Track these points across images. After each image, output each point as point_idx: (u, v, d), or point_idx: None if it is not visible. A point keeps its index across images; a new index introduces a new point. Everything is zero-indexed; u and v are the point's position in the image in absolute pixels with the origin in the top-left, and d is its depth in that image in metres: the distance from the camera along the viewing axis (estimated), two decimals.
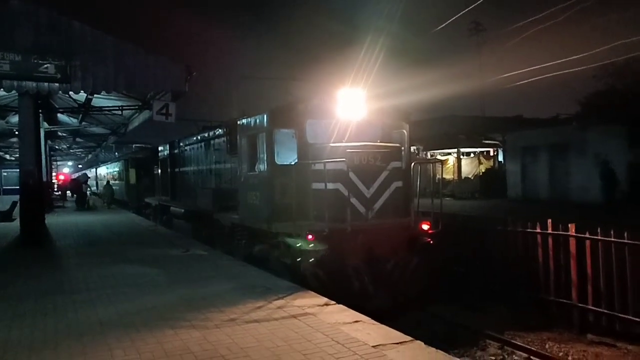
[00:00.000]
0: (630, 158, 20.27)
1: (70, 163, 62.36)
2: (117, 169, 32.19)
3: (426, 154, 22.94)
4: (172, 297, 6.83)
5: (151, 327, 5.48)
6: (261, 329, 5.41)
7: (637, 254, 8.34)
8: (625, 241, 8.48)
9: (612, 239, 8.70)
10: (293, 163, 8.98)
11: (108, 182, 29.57)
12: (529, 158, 21.19)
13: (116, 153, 43.96)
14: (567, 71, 17.27)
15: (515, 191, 21.54)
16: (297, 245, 8.07)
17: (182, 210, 15.14)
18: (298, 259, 8.10)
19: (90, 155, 49.71)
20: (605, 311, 8.69)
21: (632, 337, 8.38)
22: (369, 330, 5.35)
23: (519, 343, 8.47)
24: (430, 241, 8.89)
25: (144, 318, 5.86)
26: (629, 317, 8.34)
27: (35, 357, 4.67)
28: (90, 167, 51.37)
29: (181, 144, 16.45)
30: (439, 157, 22.75)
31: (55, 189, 35.58)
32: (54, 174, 40.67)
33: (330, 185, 8.11)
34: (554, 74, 17.57)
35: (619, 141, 19.75)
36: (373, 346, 4.84)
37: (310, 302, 6.48)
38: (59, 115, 23.05)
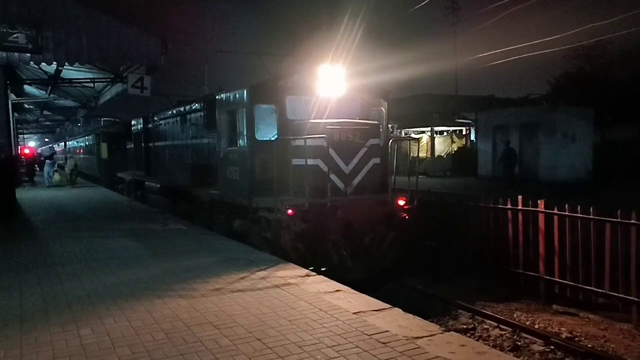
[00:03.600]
0: (596, 138, 21.04)
1: (35, 137, 60.59)
2: (87, 143, 31.49)
3: (401, 132, 23.23)
4: (156, 270, 6.94)
5: (138, 297, 5.60)
6: (246, 297, 5.59)
7: (602, 228, 8.76)
8: (591, 217, 8.88)
9: (579, 215, 9.10)
10: (273, 139, 9.07)
11: (71, 157, 28.57)
12: (500, 137, 21.68)
13: (84, 127, 42.87)
14: (537, 53, 17.72)
15: (486, 169, 22.05)
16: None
17: (158, 186, 15.08)
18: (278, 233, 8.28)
19: (58, 129, 48.44)
20: (570, 283, 9.15)
21: (593, 307, 8.88)
22: (349, 299, 5.58)
23: (488, 312, 8.86)
24: (406, 216, 9.17)
25: (131, 289, 5.97)
26: (591, 288, 8.80)
27: (27, 325, 4.74)
28: (58, 141, 50.03)
29: (155, 119, 16.25)
30: (413, 135, 23.07)
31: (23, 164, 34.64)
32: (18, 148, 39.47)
33: (310, 162, 8.26)
34: (525, 55, 18.00)
35: (586, 122, 20.45)
36: (354, 313, 5.08)
37: (292, 273, 6.69)
38: (25, 86, 22.36)
